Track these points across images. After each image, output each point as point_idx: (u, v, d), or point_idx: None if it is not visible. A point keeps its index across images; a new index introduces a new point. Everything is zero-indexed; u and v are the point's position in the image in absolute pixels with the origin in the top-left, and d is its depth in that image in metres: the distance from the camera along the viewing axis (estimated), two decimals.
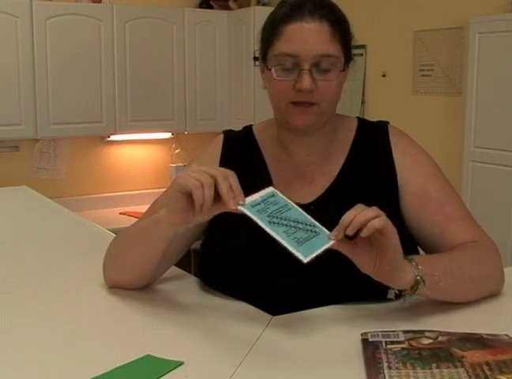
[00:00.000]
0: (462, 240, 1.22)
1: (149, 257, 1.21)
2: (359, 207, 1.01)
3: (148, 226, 1.19)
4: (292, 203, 1.04)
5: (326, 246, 1.01)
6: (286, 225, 1.02)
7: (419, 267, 1.06)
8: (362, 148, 1.31)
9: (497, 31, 2.86)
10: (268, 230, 1.00)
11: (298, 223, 1.02)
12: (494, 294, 1.21)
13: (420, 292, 1.07)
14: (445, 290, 1.12)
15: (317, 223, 1.04)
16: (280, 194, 1.05)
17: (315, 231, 1.03)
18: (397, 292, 1.08)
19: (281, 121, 1.28)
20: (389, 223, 1.00)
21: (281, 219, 1.02)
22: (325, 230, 1.04)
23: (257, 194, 1.04)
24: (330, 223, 1.03)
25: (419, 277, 1.05)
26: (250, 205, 1.01)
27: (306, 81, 1.17)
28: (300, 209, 1.04)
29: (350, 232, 0.99)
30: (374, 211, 1.00)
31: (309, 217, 1.04)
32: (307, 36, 1.18)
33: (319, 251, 1.00)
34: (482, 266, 1.18)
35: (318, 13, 1.19)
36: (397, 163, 1.28)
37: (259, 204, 1.03)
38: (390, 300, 1.20)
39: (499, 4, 3.05)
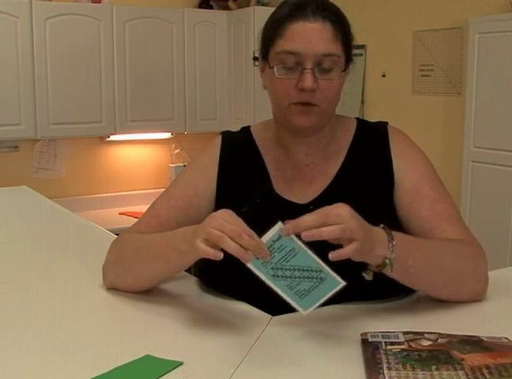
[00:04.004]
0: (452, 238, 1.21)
1: (165, 277, 1.25)
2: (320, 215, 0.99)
3: (168, 254, 1.16)
4: (300, 243, 1.00)
5: (328, 295, 1.02)
6: (290, 277, 1.01)
7: (394, 250, 1.04)
8: (361, 149, 1.31)
9: (497, 31, 2.86)
10: (271, 285, 1.02)
11: (303, 270, 1.01)
12: (475, 297, 1.19)
13: (387, 273, 1.07)
14: (416, 277, 1.12)
15: (324, 266, 1.01)
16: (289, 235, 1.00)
17: (321, 278, 1.01)
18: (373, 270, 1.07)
19: (282, 121, 1.28)
20: (346, 232, 0.98)
21: (286, 269, 1.01)
22: (332, 273, 1.01)
23: (263, 238, 1.00)
24: None
25: (387, 260, 1.04)
26: (254, 258, 1.00)
27: (308, 80, 1.17)
28: (309, 251, 1.01)
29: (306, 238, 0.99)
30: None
31: (316, 259, 1.01)
32: (310, 35, 1.19)
33: (320, 302, 1.03)
34: (464, 264, 1.16)
35: (320, 13, 1.20)
36: (394, 162, 1.28)
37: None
38: (390, 300, 1.20)
39: (499, 4, 3.05)
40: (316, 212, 0.99)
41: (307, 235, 0.97)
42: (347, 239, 0.98)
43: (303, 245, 1.00)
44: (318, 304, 1.03)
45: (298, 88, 1.19)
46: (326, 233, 0.97)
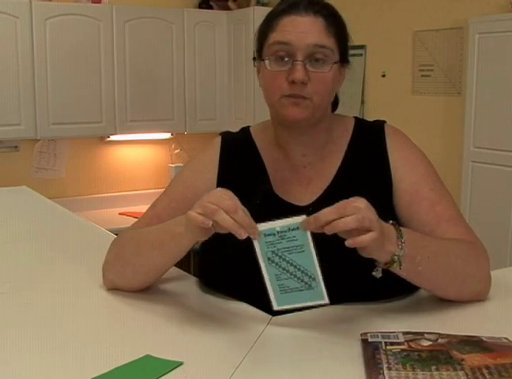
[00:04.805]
0: None
1: (163, 267, 1.23)
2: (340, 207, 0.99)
3: (164, 239, 1.17)
4: (311, 245, 1.00)
5: (306, 304, 1.03)
6: (284, 268, 1.01)
7: (404, 248, 1.04)
8: (358, 148, 1.31)
9: (497, 31, 2.86)
10: (262, 265, 1.02)
11: (298, 269, 1.01)
12: (477, 296, 1.19)
13: (395, 270, 1.06)
14: (423, 275, 1.11)
15: (320, 278, 1.01)
16: (306, 231, 0.99)
17: (310, 285, 1.02)
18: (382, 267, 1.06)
19: (275, 116, 1.28)
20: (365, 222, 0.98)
21: (284, 260, 1.01)
22: (323, 287, 1.01)
23: (281, 221, 1.00)
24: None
25: (396, 257, 1.04)
26: (263, 233, 1.01)
27: (299, 72, 1.17)
28: (314, 256, 1.00)
29: (328, 232, 0.99)
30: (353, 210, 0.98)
31: (317, 267, 1.00)
32: (302, 27, 1.19)
33: (297, 305, 1.04)
34: (467, 263, 1.16)
35: (312, 9, 1.21)
36: (391, 161, 1.27)
37: (273, 234, 1.00)
38: (391, 300, 1.20)
39: (499, 4, 3.05)
40: (334, 205, 1.00)
41: (329, 229, 0.98)
42: (364, 230, 0.98)
43: (312, 249, 1.00)
44: (292, 306, 1.04)
45: (289, 80, 1.19)
46: (344, 224, 0.97)
